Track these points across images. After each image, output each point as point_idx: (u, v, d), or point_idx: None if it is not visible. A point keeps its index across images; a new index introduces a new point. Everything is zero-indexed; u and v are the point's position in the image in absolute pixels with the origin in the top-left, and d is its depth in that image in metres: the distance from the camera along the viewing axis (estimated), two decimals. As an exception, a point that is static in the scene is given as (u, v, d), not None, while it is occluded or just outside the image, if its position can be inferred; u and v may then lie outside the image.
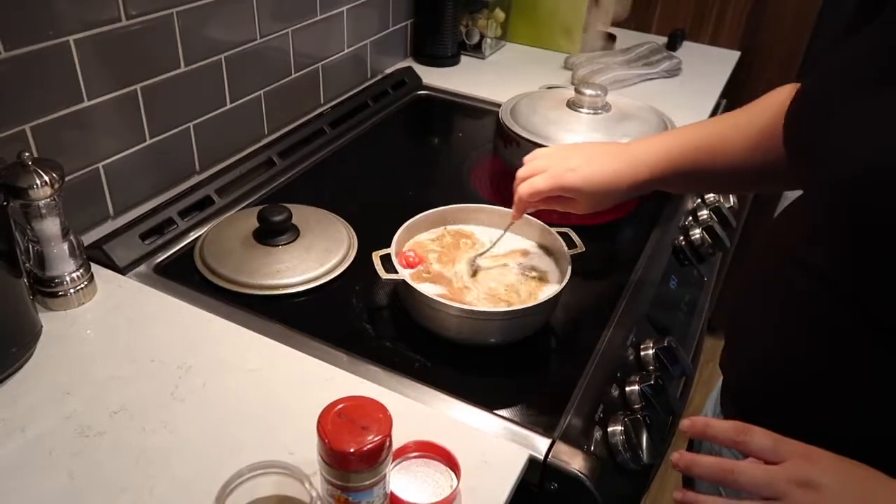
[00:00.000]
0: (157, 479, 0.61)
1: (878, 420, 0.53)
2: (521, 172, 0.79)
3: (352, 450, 0.49)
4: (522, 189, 0.78)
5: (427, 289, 0.78)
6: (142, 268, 0.87)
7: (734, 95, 1.71)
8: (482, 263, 0.84)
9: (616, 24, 1.74)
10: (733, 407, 0.69)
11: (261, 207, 0.90)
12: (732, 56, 1.69)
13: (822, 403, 0.56)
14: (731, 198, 1.20)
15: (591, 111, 1.06)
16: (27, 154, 0.71)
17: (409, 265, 0.82)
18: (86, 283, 0.79)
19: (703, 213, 1.10)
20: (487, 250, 0.84)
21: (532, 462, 0.65)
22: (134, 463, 0.62)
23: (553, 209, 0.81)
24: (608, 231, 1.04)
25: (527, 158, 0.81)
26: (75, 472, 0.61)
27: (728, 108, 1.61)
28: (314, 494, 0.50)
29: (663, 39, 1.68)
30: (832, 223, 0.53)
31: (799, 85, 0.66)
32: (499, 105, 1.14)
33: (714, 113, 1.44)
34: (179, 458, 0.63)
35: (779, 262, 0.61)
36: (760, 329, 0.63)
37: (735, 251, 1.95)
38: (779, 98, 0.70)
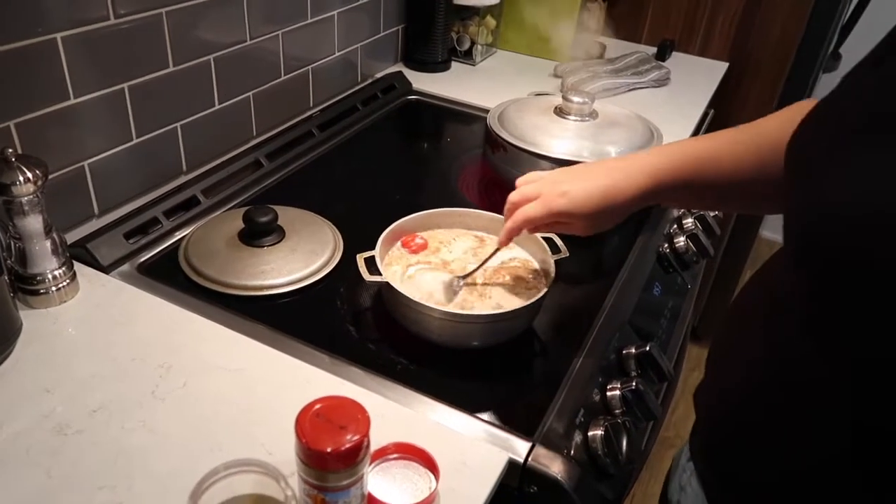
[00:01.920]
0: (135, 478, 0.61)
1: (823, 472, 0.51)
2: (512, 197, 0.76)
3: (329, 449, 0.49)
4: (517, 216, 0.75)
5: (428, 278, 0.79)
6: (125, 267, 0.87)
7: (722, 106, 1.73)
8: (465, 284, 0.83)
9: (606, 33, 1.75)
10: (700, 442, 0.67)
11: (247, 208, 0.90)
12: (721, 67, 1.70)
13: (776, 444, 0.54)
14: (716, 206, 1.21)
15: (579, 118, 1.07)
16: (10, 150, 0.71)
17: (415, 251, 0.83)
18: (68, 281, 0.79)
19: (688, 222, 1.10)
20: (469, 274, 0.82)
21: (511, 465, 0.65)
22: (113, 461, 0.62)
23: (553, 231, 0.79)
24: (593, 237, 1.04)
25: (519, 182, 0.78)
26: (53, 470, 0.61)
27: (716, 119, 1.63)
28: (289, 493, 0.50)
29: (652, 49, 1.70)
30: (802, 265, 0.51)
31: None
32: (488, 111, 1.15)
33: (701, 123, 1.46)
34: (158, 457, 0.63)
35: (762, 297, 0.60)
36: (735, 364, 0.61)
37: (720, 260, 1.96)
38: (797, 115, 0.65)
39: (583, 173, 0.74)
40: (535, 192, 0.75)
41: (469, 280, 0.82)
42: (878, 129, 0.45)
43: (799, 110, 0.66)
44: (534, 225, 0.75)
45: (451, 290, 0.80)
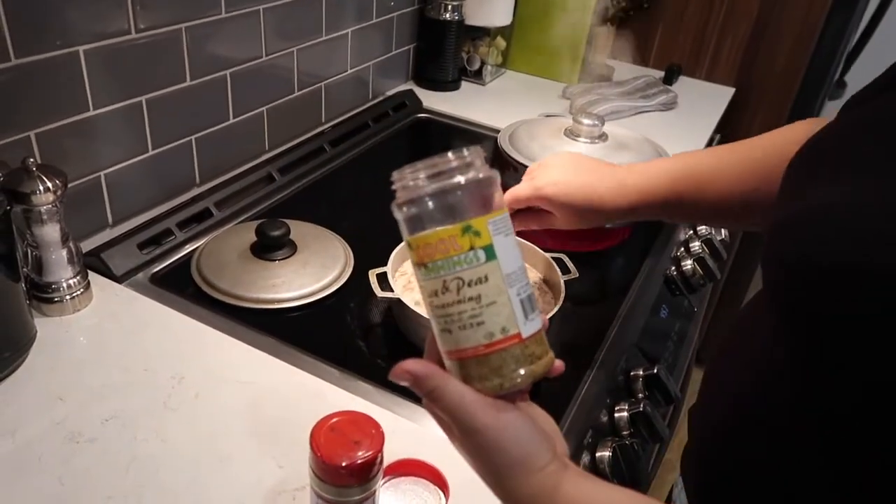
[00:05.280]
0: (146, 488, 0.61)
1: None
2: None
3: (343, 463, 0.50)
4: (506, 194, 0.75)
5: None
6: (138, 277, 0.88)
7: (728, 130, 1.74)
8: None
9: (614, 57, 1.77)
10: (688, 462, 0.64)
11: (259, 222, 0.91)
12: (727, 92, 1.72)
13: (758, 485, 0.50)
14: (723, 231, 1.22)
15: (588, 140, 1.08)
16: (31, 160, 0.72)
17: None
18: (82, 289, 0.80)
19: (695, 245, 1.11)
20: None
21: (520, 484, 0.66)
22: (124, 471, 0.62)
23: (532, 227, 0.79)
24: (601, 258, 1.06)
25: (530, 167, 0.79)
26: (65, 477, 0.61)
27: (722, 143, 1.64)
28: None
29: (660, 73, 1.72)
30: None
31: (816, 122, 0.62)
32: (497, 131, 1.16)
33: (708, 147, 1.47)
34: (169, 468, 0.63)
35: (754, 328, 0.57)
36: (724, 392, 0.58)
37: (725, 283, 1.97)
38: (789, 136, 0.65)
39: (580, 169, 0.75)
40: (529, 175, 0.77)
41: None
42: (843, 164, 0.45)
43: (799, 129, 0.66)
44: (518, 203, 0.76)
45: None
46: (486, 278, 0.41)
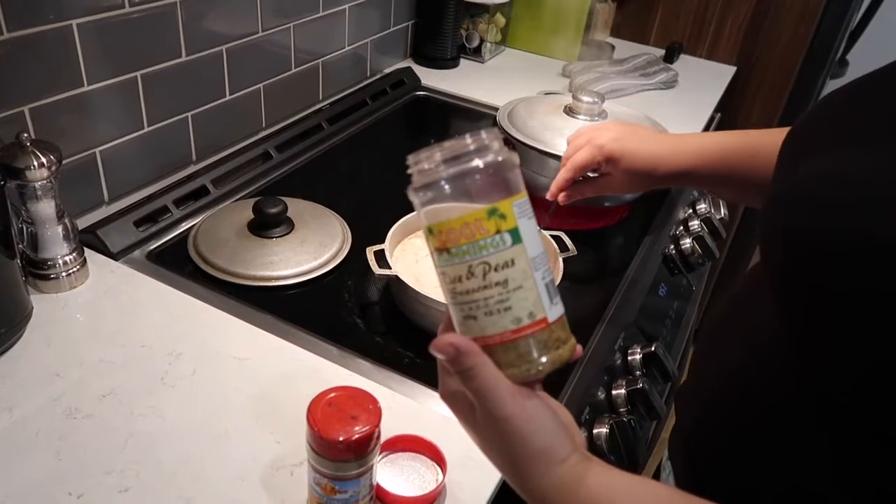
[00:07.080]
0: (143, 464, 0.61)
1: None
2: (566, 153, 0.78)
3: (340, 438, 0.50)
4: (568, 165, 0.76)
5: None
6: (135, 254, 0.87)
7: (729, 109, 1.73)
8: None
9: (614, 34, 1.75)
10: (677, 444, 0.63)
11: (256, 199, 0.91)
12: (728, 71, 1.71)
13: (752, 462, 0.50)
14: (722, 209, 1.21)
15: (588, 118, 1.07)
16: (25, 135, 0.72)
17: None
18: (78, 266, 0.79)
19: (694, 224, 1.11)
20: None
21: (517, 460, 0.66)
22: (121, 446, 0.62)
23: (587, 195, 0.79)
24: (600, 236, 1.05)
25: (570, 138, 0.79)
26: (62, 453, 0.61)
27: (722, 122, 1.63)
28: None
29: (661, 52, 1.70)
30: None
31: None
32: (496, 108, 1.15)
33: (708, 126, 1.46)
34: (166, 444, 0.63)
35: (751, 304, 0.57)
36: (715, 370, 0.58)
37: (724, 263, 1.97)
38: None
39: (636, 130, 0.76)
40: (584, 140, 0.76)
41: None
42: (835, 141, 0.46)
43: None
44: (583, 168, 0.76)
45: None
46: (513, 262, 0.39)
